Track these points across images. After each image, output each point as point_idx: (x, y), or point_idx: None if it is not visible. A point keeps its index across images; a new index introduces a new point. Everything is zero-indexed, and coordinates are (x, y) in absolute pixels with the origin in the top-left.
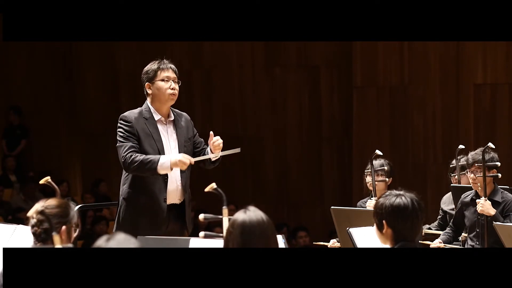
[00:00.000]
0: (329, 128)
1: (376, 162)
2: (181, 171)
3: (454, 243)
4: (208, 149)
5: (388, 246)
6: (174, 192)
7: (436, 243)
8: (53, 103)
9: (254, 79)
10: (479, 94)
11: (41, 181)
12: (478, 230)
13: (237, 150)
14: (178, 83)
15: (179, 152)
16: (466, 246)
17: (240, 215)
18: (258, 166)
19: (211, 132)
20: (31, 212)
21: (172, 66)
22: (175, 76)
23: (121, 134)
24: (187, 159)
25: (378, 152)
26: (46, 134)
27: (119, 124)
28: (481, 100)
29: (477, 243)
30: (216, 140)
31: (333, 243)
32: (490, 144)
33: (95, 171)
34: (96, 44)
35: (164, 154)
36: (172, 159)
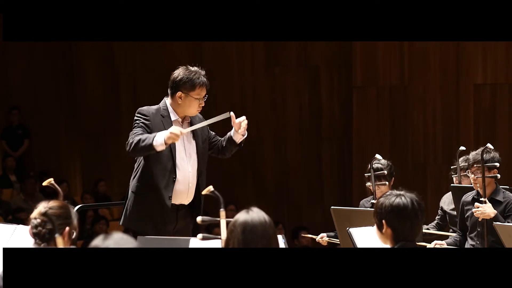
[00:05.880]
0: (329, 128)
1: (376, 167)
2: (197, 174)
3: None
4: (232, 132)
5: (388, 246)
6: (184, 193)
7: (440, 243)
8: (53, 103)
9: (254, 79)
10: (479, 94)
11: (44, 183)
12: (479, 229)
13: (227, 114)
14: (205, 98)
15: (198, 156)
16: (466, 246)
17: (242, 215)
18: (258, 166)
19: (232, 113)
20: (34, 214)
21: (207, 82)
22: (205, 91)
23: (136, 124)
24: (178, 130)
25: (377, 156)
26: (46, 134)
27: (136, 117)
28: (481, 100)
29: (478, 242)
30: (241, 121)
31: (321, 237)
32: (489, 145)
33: (95, 171)
34: (96, 44)
35: (175, 155)
36: (165, 134)
